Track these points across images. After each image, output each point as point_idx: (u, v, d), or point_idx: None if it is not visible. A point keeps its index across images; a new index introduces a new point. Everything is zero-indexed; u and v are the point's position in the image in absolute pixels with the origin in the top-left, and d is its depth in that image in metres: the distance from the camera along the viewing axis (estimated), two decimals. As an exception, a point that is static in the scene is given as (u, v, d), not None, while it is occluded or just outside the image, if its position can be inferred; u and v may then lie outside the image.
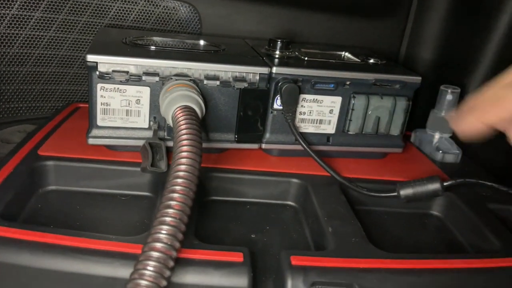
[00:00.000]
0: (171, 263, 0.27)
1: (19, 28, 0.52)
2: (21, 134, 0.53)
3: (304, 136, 0.46)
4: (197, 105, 0.38)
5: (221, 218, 0.40)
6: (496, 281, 0.33)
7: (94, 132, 0.42)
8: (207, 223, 0.39)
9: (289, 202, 0.44)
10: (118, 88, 0.40)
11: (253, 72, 0.43)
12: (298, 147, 0.45)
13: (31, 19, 0.52)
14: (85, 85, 0.59)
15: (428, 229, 0.43)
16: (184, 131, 0.34)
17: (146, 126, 0.43)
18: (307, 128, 0.47)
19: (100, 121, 0.41)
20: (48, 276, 0.29)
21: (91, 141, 0.42)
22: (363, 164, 0.49)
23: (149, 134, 0.43)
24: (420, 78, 0.47)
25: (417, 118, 0.59)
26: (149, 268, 0.26)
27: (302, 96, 0.45)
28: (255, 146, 0.46)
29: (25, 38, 0.53)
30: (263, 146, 0.46)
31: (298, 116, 0.46)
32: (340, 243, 0.34)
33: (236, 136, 0.45)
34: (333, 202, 0.40)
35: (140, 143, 0.42)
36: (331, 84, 0.45)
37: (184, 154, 0.32)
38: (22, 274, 0.29)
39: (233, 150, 0.47)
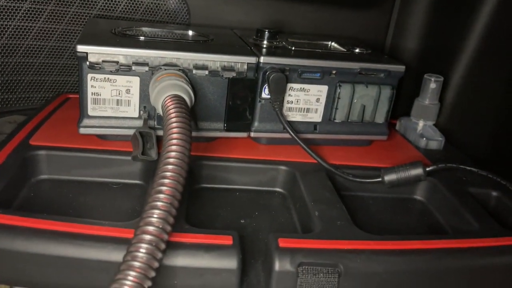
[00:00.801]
0: (163, 246, 0.28)
1: (8, 19, 0.52)
2: (12, 125, 0.53)
3: (292, 124, 0.47)
4: (186, 94, 0.39)
5: (211, 205, 0.42)
6: (474, 260, 0.35)
7: (85, 121, 0.42)
8: (198, 209, 0.40)
9: (278, 189, 0.45)
10: (108, 78, 0.41)
11: (241, 62, 0.44)
12: (286, 135, 0.46)
13: (20, 10, 0.52)
14: (74, 76, 0.59)
15: (411, 213, 0.44)
16: (173, 119, 0.34)
17: (136, 115, 0.43)
18: (295, 116, 0.48)
19: (90, 110, 0.42)
20: (43, 261, 0.30)
21: (82, 130, 0.43)
22: (349, 151, 0.50)
23: (139, 123, 0.43)
24: (404, 67, 0.48)
25: (402, 106, 0.60)
26: (141, 250, 0.27)
27: (290, 85, 0.46)
28: (244, 134, 0.47)
29: (14, 29, 0.53)
30: (252, 134, 0.47)
31: (286, 105, 0.47)
32: (326, 226, 0.36)
33: (225, 125, 0.46)
34: (319, 188, 0.41)
35: (131, 132, 0.43)
36: (318, 73, 0.46)
37: (174, 142, 0.33)
38: (17, 260, 0.30)
39: (222, 139, 0.48)
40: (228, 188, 0.45)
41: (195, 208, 0.40)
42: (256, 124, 0.47)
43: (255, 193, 0.44)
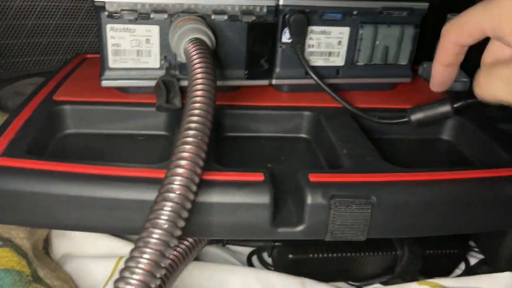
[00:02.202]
0: (197, 179, 0.28)
1: (20, -20, 0.52)
2: (33, 86, 0.53)
3: (314, 69, 0.46)
4: (208, 37, 0.38)
5: (236, 152, 0.42)
6: (504, 189, 0.34)
7: (107, 74, 0.42)
8: (224, 157, 0.40)
9: (302, 135, 0.45)
10: (127, 28, 0.41)
11: (260, 5, 0.43)
12: (308, 81, 0.45)
13: (32, -31, 0.52)
14: (91, 37, 0.59)
15: (439, 152, 0.44)
16: (197, 61, 0.34)
17: (157, 66, 0.43)
18: (316, 61, 0.47)
19: (112, 62, 0.42)
20: (79, 203, 0.31)
21: (104, 83, 0.42)
22: (373, 95, 0.49)
23: (160, 73, 0.43)
24: (427, 4, 0.47)
25: (423, 52, 0.59)
26: (176, 182, 0.27)
27: (310, 28, 0.45)
28: (265, 82, 0.47)
29: (27, -10, 0.53)
30: (274, 82, 0.47)
31: (307, 49, 0.46)
32: (355, 162, 0.35)
33: (246, 72, 0.45)
34: (346, 129, 0.41)
35: (152, 83, 0.43)
36: (339, 14, 0.45)
37: (200, 87, 0.32)
38: (55, 203, 0.31)
39: (243, 87, 0.47)
40: (253, 136, 0.44)
41: (221, 156, 0.40)
42: (277, 70, 0.46)
43: (280, 140, 0.44)
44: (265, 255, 0.46)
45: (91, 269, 0.38)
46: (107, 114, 0.42)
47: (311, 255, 0.40)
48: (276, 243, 0.42)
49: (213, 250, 0.45)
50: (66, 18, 0.56)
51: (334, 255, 0.40)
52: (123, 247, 0.41)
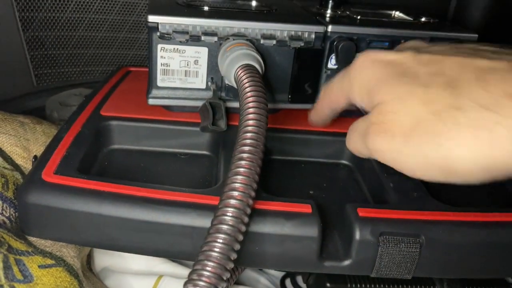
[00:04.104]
0: (248, 211, 0.28)
1: (72, -7, 0.53)
2: (78, 97, 0.55)
3: (358, 96, 0.46)
4: (258, 64, 0.38)
5: (278, 176, 0.41)
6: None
7: (154, 92, 0.43)
8: (264, 181, 0.40)
9: (343, 161, 0.44)
10: (177, 49, 0.41)
11: (308, 31, 0.43)
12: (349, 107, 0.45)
13: (83, -17, 0.53)
14: (134, 50, 0.60)
15: (484, 190, 0.43)
16: (248, 89, 0.34)
17: (204, 86, 0.43)
18: (360, 87, 0.46)
19: (160, 81, 0.42)
20: (128, 225, 0.31)
21: (151, 101, 0.43)
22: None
23: (206, 94, 0.43)
24: (476, 35, 0.46)
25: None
26: (228, 214, 0.27)
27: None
28: (308, 106, 0.47)
29: (77, 3, 0.54)
30: (316, 106, 0.47)
31: (352, 76, 0.46)
32: (403, 197, 0.35)
33: (290, 96, 0.46)
34: (390, 160, 0.40)
35: (197, 103, 0.43)
36: (386, 42, 0.44)
37: (251, 110, 0.32)
38: (103, 223, 0.31)
39: (283, 111, 0.47)
40: (293, 160, 0.44)
41: (263, 179, 0.40)
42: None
43: (320, 166, 0.44)
44: (298, 279, 0.46)
45: (132, 285, 0.38)
46: (152, 132, 0.43)
47: (349, 285, 0.40)
48: (313, 270, 0.42)
49: (247, 271, 0.46)
50: (112, 31, 0.57)
51: (373, 286, 0.40)
52: (161, 264, 0.42)
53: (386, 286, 0.40)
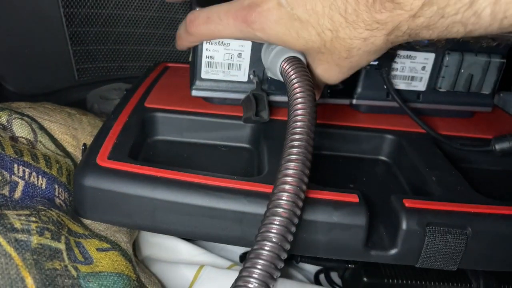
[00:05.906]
0: (302, 195, 0.28)
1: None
2: (117, 91, 0.56)
3: (397, 92, 0.46)
4: (302, 55, 0.39)
5: (316, 170, 0.42)
6: None
7: (198, 84, 0.44)
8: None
9: (381, 157, 0.45)
10: (222, 42, 0.42)
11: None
12: (387, 103, 0.46)
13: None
14: (170, 46, 0.61)
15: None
16: (295, 80, 0.35)
17: (245, 79, 0.44)
18: (398, 84, 0.47)
19: (204, 73, 0.43)
20: (181, 208, 0.32)
21: (194, 93, 0.44)
22: (452, 122, 0.49)
23: (247, 87, 0.44)
24: (516, 35, 0.46)
25: (501, 82, 0.58)
26: (284, 198, 0.28)
27: (396, 51, 0.45)
28: (346, 101, 0.47)
29: (118, 0, 0.55)
30: (354, 101, 0.47)
31: (390, 72, 0.46)
32: (447, 190, 0.35)
33: (329, 91, 0.46)
34: (431, 156, 0.41)
35: (239, 96, 0.44)
36: (426, 39, 0.45)
37: (300, 106, 0.33)
38: (156, 207, 0.32)
39: (321, 106, 0.48)
40: (331, 155, 0.45)
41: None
42: (359, 91, 0.47)
43: (358, 161, 0.44)
44: (332, 275, 0.46)
45: (174, 274, 0.39)
46: (194, 124, 0.44)
47: (386, 280, 0.40)
48: (350, 265, 0.42)
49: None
50: (150, 28, 0.59)
51: (410, 282, 0.40)
52: (201, 255, 0.42)
53: (423, 281, 0.40)
